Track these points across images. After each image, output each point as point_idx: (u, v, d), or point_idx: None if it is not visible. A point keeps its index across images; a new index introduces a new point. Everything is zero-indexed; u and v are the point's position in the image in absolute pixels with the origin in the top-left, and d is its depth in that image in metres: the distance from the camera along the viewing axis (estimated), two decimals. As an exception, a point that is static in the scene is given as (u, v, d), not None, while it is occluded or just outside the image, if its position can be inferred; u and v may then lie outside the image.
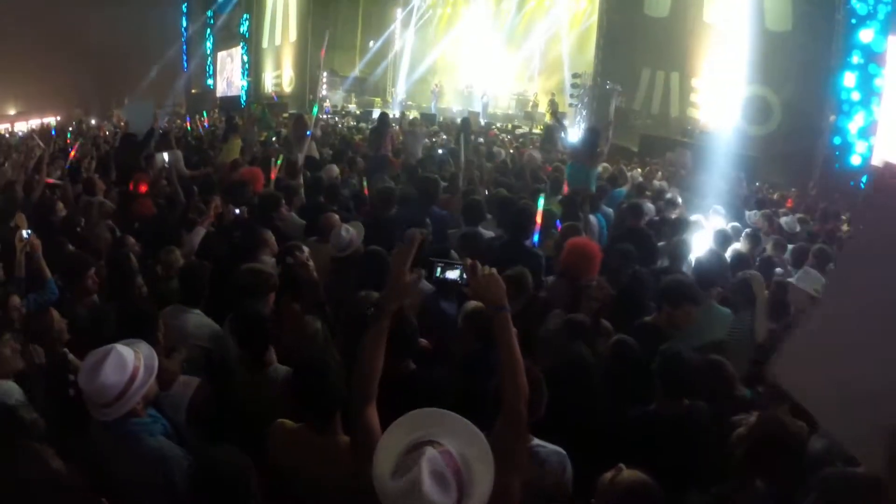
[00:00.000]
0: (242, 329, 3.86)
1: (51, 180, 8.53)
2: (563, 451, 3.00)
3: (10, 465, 2.71)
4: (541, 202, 6.14)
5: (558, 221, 6.75)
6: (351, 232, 5.40)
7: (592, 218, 7.20)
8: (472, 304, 3.84)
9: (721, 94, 17.70)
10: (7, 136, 24.73)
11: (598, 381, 3.70)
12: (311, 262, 4.90)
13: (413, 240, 2.68)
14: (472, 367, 3.59)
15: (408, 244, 2.66)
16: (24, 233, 5.04)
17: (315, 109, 10.45)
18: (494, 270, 2.61)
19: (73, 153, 10.22)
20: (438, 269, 2.72)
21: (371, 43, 31.10)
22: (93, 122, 23.00)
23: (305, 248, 4.94)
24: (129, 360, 2.92)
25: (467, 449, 2.11)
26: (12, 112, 46.43)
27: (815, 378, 2.10)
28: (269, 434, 3.07)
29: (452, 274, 2.67)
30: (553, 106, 23.06)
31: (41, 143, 10.53)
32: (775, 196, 13.20)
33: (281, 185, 7.83)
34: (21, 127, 36.10)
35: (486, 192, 8.30)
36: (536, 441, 2.97)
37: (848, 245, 2.35)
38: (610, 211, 8.20)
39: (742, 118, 17.31)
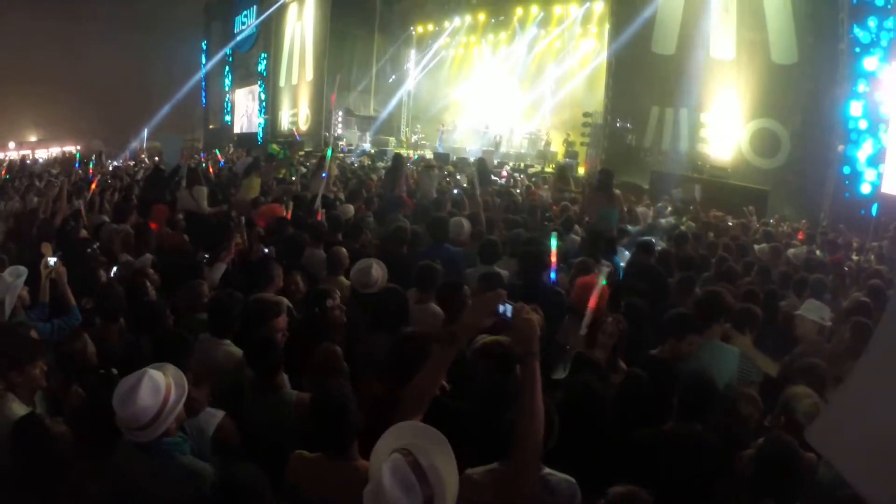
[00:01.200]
0: (253, 352, 4.00)
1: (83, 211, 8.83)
2: (573, 480, 3.01)
3: (36, 474, 2.91)
4: (554, 242, 6.16)
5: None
6: (378, 271, 5.55)
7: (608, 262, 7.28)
8: (483, 338, 3.90)
9: (730, 129, 17.81)
10: (28, 162, 25.23)
11: (608, 412, 3.74)
12: (343, 308, 5.07)
13: (497, 295, 2.84)
14: (485, 400, 3.61)
15: (494, 295, 2.84)
16: (50, 260, 5.24)
17: (329, 153, 10.68)
18: (539, 317, 2.79)
19: (93, 187, 10.50)
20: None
21: (385, 83, 31.57)
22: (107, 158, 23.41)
23: (336, 293, 5.09)
24: (162, 383, 3.03)
25: (435, 455, 2.27)
26: (33, 139, 47.43)
27: (855, 442, 2.07)
28: (288, 465, 3.16)
29: (502, 308, 2.78)
30: (567, 145, 23.28)
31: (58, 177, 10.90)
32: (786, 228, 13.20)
33: (306, 223, 8.00)
34: (41, 154, 36.87)
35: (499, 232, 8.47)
36: (547, 469, 3.00)
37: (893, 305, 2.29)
38: (626, 252, 8.23)
39: (751, 151, 17.44)
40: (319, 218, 8.22)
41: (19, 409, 3.51)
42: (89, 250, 6.83)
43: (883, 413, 2.01)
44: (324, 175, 9.99)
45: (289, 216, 8.34)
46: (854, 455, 2.06)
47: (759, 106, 17.23)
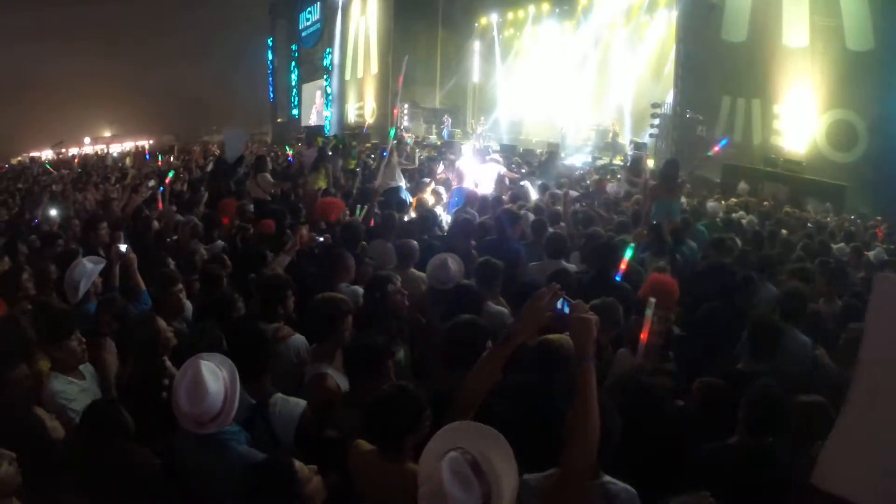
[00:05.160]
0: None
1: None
2: (634, 491, 2.89)
3: (104, 461, 2.97)
4: (629, 252, 6.03)
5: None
6: (454, 266, 5.38)
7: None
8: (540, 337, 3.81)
9: (804, 120, 17.28)
10: (102, 155, 26.30)
11: (665, 412, 3.71)
12: (404, 293, 5.01)
13: (553, 291, 2.74)
14: (527, 396, 3.52)
15: (551, 292, 2.74)
16: (122, 247, 5.50)
17: (392, 133, 10.70)
18: (596, 318, 2.67)
19: (167, 181, 10.82)
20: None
21: (450, 75, 31.63)
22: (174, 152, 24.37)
23: (397, 278, 5.07)
24: (217, 370, 3.03)
25: (491, 452, 2.26)
26: (108, 134, 49.56)
27: (865, 470, 2.12)
28: (348, 454, 3.15)
29: (560, 304, 2.71)
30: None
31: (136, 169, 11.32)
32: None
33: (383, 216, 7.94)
34: (115, 148, 38.40)
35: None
36: (607, 478, 2.89)
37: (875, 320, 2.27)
38: (694, 245, 8.13)
39: (827, 144, 16.87)
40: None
41: (62, 384, 3.80)
42: (169, 240, 7.10)
43: (884, 435, 2.10)
44: (384, 154, 9.98)
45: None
46: (866, 485, 2.11)
47: (835, 96, 16.67)
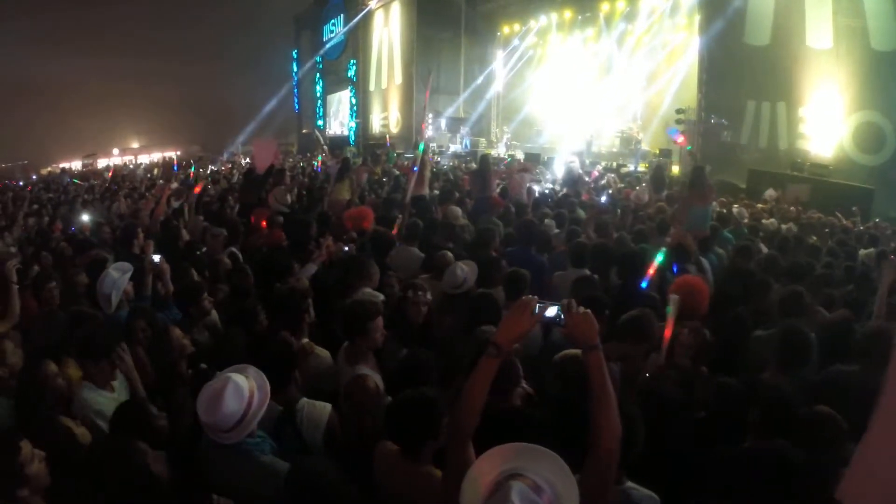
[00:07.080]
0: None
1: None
2: (657, 497, 2.90)
3: (117, 460, 3.03)
4: (660, 257, 6.03)
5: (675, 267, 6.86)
6: (465, 271, 5.45)
7: (703, 259, 7.17)
8: (563, 352, 3.83)
9: (830, 123, 17.06)
10: (131, 166, 26.77)
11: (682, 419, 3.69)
12: (425, 308, 5.04)
13: (529, 299, 2.69)
14: (562, 411, 3.41)
15: (527, 301, 2.69)
16: (155, 257, 5.65)
17: (421, 147, 10.68)
18: (589, 311, 2.64)
19: (197, 189, 10.93)
20: (537, 308, 2.66)
21: (473, 84, 31.70)
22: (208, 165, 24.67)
23: (425, 289, 5.10)
24: (245, 387, 3.07)
25: (553, 477, 2.18)
26: (135, 145, 50.46)
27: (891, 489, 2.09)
28: (375, 453, 3.23)
29: (550, 312, 2.63)
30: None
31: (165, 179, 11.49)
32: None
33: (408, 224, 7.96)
34: (143, 159, 39.00)
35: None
36: (630, 483, 2.89)
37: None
38: (722, 252, 8.10)
39: (854, 147, 16.65)
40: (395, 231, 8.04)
41: (92, 394, 3.86)
42: (199, 252, 7.20)
43: None
44: (414, 168, 10.02)
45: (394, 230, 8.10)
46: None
47: (861, 97, 16.46)
